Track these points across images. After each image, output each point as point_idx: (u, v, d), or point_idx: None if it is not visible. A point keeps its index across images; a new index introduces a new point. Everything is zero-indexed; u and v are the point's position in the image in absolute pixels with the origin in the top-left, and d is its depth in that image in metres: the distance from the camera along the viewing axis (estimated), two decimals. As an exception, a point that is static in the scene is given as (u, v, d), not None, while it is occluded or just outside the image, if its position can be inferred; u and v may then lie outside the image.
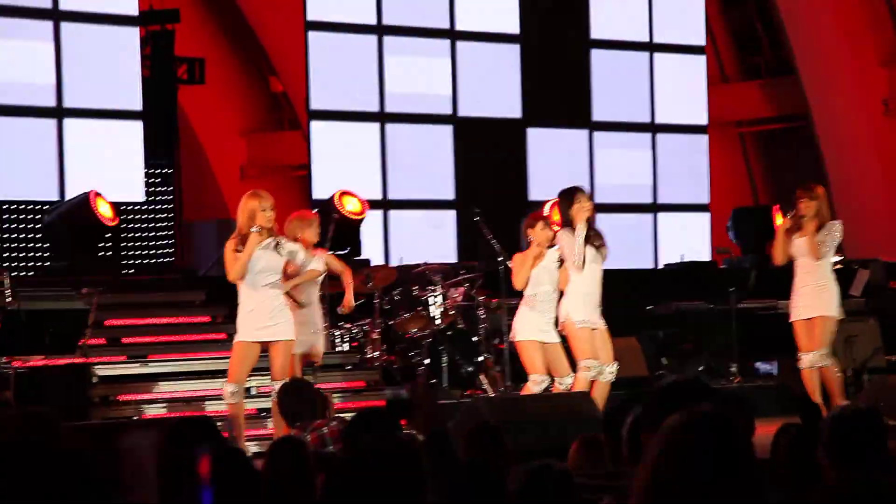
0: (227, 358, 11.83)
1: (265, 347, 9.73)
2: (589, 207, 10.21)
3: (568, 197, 10.29)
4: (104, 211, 13.37)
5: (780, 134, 23.00)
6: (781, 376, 13.97)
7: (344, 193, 14.11)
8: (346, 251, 13.75)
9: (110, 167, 14.64)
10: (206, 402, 11.30)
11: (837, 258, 16.17)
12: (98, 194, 13.42)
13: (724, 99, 21.48)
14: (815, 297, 10.60)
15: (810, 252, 10.57)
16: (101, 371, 11.28)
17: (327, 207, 13.83)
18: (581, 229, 10.03)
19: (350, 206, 14.04)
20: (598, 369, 10.11)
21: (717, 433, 3.35)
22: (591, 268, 10.19)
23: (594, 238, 10.24)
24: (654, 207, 17.65)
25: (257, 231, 9.54)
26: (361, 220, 14.23)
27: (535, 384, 10.25)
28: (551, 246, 10.35)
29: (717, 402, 5.19)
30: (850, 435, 4.61)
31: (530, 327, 10.28)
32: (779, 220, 10.50)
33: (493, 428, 6.07)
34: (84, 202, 13.31)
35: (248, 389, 11.00)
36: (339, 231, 13.23)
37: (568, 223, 10.20)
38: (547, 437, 8.67)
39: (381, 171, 16.05)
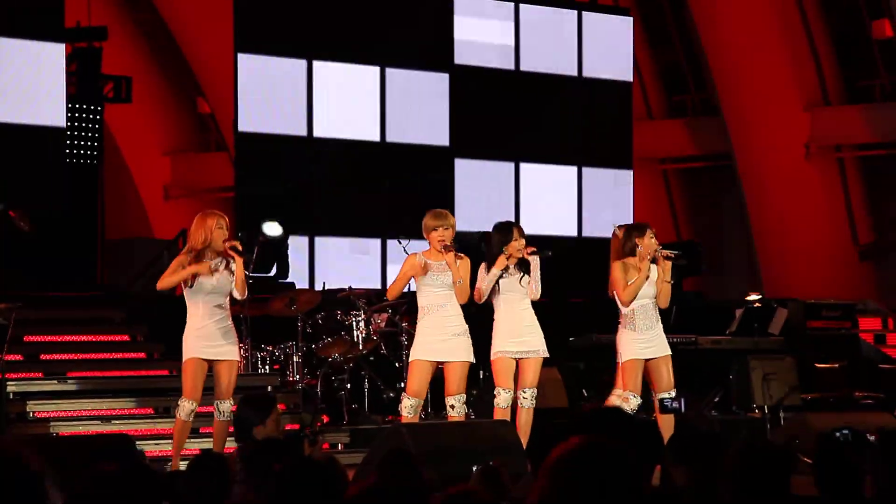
0: (147, 377, 11.81)
1: (210, 366, 9.74)
2: (523, 245, 10.23)
3: (504, 231, 10.29)
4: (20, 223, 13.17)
5: (703, 172, 23.26)
6: (687, 412, 14.07)
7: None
8: (271, 273, 13.70)
9: (33, 182, 14.48)
10: (124, 421, 11.20)
11: (756, 297, 16.38)
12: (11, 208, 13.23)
13: (648, 135, 21.70)
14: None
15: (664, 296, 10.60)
16: (18, 387, 11.15)
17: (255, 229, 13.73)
18: (496, 271, 10.05)
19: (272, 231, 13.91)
20: (511, 395, 10.11)
21: (603, 463, 3.35)
22: (507, 298, 10.19)
23: (518, 269, 10.23)
24: (579, 240, 17.77)
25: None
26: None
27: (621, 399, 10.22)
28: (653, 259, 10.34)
29: (632, 430, 5.21)
30: (755, 470, 4.63)
31: (632, 349, 10.24)
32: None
33: (406, 454, 6.02)
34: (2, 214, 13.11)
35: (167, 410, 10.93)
36: (262, 252, 13.17)
37: (498, 256, 10.17)
38: (467, 464, 8.65)
39: (308, 195, 16.01)
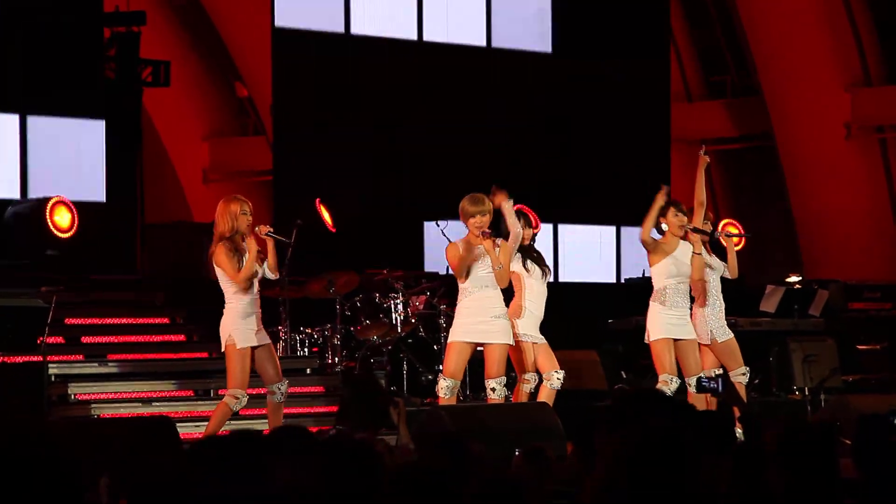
0: (186, 359, 11.85)
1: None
2: (531, 234, 10.32)
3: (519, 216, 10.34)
4: (60, 221, 13.19)
5: (744, 154, 23.14)
6: (724, 393, 13.99)
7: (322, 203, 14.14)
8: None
9: (73, 167, 14.53)
10: (164, 403, 11.25)
11: (796, 278, 16.29)
12: (61, 202, 13.27)
13: (688, 117, 21.59)
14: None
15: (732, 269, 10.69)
16: (59, 370, 11.21)
17: (300, 212, 13.77)
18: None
19: (327, 216, 14.06)
20: (536, 381, 10.16)
21: (664, 447, 3.33)
22: (534, 284, 10.22)
23: (538, 258, 10.31)
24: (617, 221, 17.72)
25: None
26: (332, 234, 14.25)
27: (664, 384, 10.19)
28: (684, 236, 10.33)
29: (671, 412, 5.18)
30: (802, 450, 4.61)
31: (661, 325, 10.22)
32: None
33: (454, 436, 6.03)
34: (39, 209, 13.14)
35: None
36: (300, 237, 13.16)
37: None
38: (507, 447, 8.66)
39: (347, 179, 16.02)
